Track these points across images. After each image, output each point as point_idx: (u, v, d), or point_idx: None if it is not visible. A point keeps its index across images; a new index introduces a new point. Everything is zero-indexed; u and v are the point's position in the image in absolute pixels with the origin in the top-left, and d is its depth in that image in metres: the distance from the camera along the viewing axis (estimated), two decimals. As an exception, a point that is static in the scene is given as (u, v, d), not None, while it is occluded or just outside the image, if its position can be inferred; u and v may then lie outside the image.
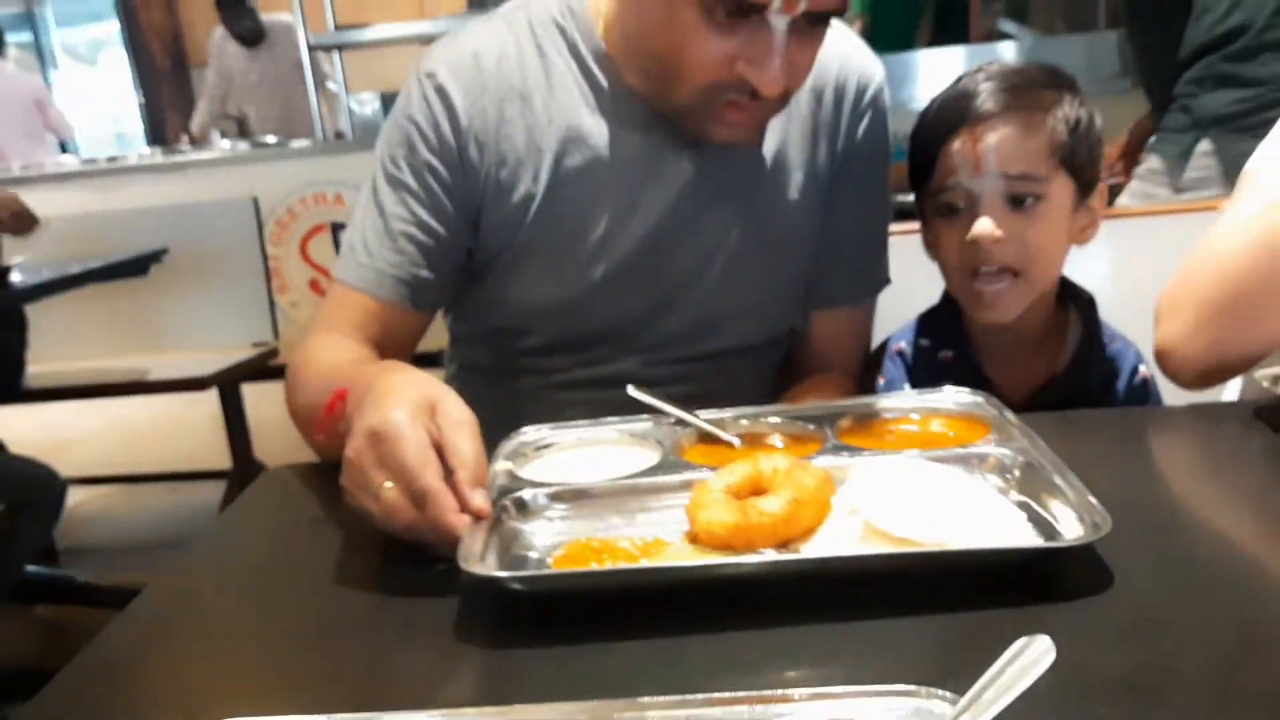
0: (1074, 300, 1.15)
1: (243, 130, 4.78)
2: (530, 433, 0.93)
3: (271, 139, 4.27)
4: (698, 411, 0.94)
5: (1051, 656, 0.52)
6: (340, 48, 4.22)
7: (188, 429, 3.65)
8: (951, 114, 1.07)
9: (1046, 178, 1.05)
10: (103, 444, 3.89)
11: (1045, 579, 0.66)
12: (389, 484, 0.72)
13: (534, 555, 0.75)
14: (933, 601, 0.64)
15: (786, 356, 1.25)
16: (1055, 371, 1.12)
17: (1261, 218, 0.95)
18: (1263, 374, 0.91)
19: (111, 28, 7.92)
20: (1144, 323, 1.08)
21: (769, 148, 1.13)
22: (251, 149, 3.90)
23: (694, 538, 0.74)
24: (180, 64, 8.02)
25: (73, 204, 3.57)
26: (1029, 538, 0.70)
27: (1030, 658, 0.51)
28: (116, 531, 3.31)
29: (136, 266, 3.12)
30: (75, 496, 3.43)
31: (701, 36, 0.93)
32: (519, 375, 1.18)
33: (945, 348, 1.16)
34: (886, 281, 1.23)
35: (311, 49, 4.06)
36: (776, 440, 0.91)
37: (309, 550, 0.84)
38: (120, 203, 3.59)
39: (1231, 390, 1.16)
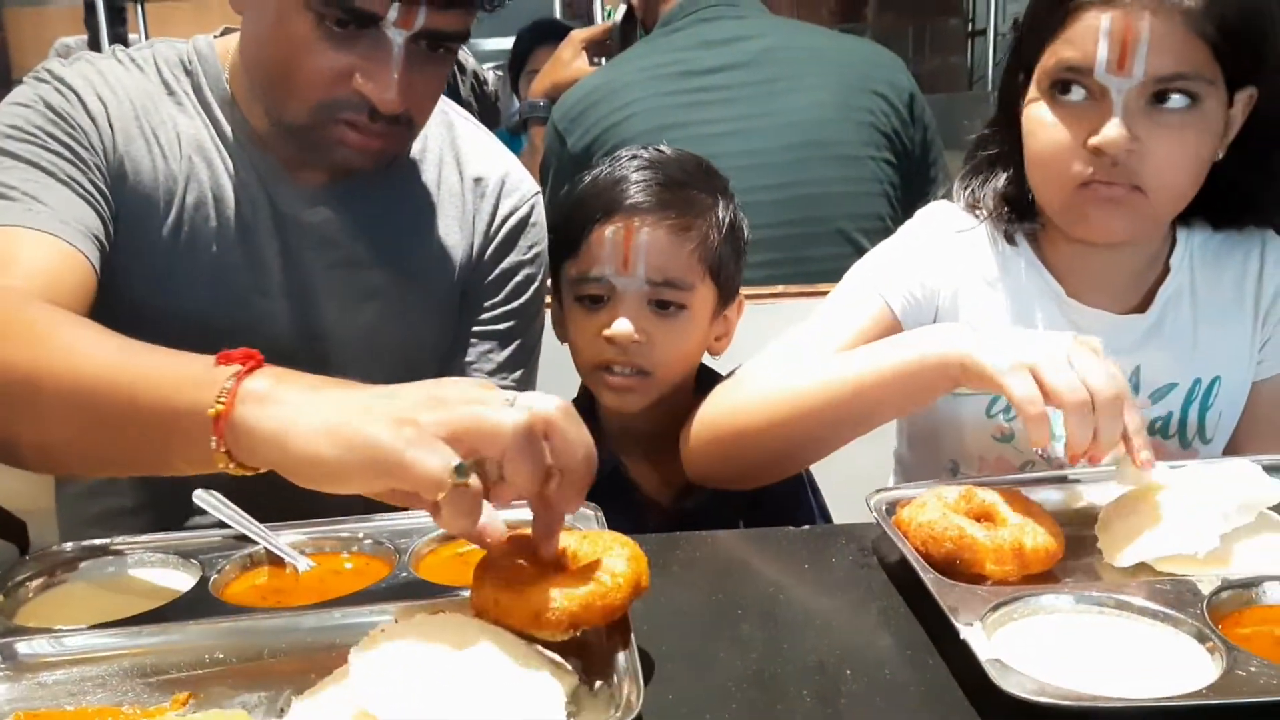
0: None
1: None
2: (66, 551, 0.79)
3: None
4: (284, 525, 0.81)
5: None
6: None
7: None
8: (602, 199, 1.03)
9: (693, 286, 1.03)
10: None
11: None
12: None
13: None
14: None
15: None
16: None
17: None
18: (878, 499, 0.81)
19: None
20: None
21: (414, 219, 1.06)
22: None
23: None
24: (4, 80, 7.56)
25: None
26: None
27: None
28: None
29: None
30: None
31: (315, 47, 0.88)
32: None
33: None
34: None
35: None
36: (348, 563, 0.80)
37: None
38: None
39: None
